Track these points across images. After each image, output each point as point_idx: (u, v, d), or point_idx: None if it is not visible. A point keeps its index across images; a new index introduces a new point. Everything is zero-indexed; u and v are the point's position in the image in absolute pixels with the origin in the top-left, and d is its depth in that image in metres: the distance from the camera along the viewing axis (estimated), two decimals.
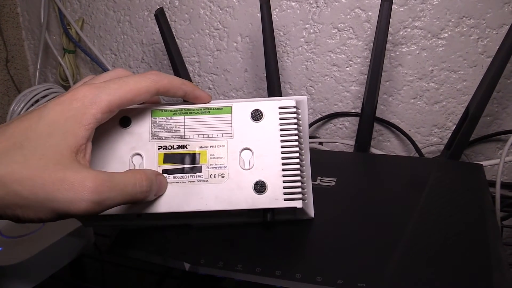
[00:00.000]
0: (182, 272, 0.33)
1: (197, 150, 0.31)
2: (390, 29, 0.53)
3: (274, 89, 0.52)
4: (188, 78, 0.56)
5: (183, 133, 0.31)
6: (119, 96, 0.27)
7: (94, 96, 0.26)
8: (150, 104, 0.32)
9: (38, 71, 0.73)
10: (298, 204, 0.30)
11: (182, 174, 0.30)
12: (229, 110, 0.31)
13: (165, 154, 0.31)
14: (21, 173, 0.23)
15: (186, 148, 0.31)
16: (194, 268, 0.33)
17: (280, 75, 0.58)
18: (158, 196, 0.30)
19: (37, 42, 0.76)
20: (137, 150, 0.31)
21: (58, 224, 0.42)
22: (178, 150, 0.31)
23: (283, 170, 0.30)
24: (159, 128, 0.31)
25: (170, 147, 0.31)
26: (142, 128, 0.31)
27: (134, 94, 0.28)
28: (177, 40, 0.65)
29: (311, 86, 0.61)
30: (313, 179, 0.42)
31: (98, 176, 0.25)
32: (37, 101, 0.65)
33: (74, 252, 0.42)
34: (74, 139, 0.25)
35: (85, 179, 0.24)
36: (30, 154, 0.24)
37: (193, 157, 0.31)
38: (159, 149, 0.31)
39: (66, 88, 0.72)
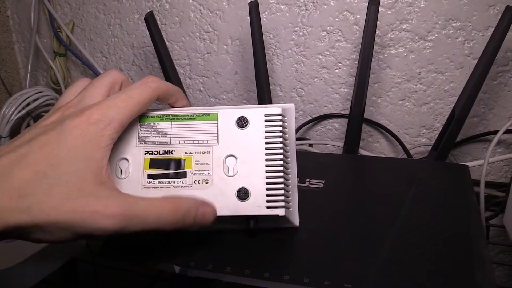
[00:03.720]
0: (172, 275, 0.34)
1: (182, 156, 0.31)
2: (378, 32, 0.54)
3: (263, 92, 0.53)
4: (179, 81, 0.57)
5: (169, 139, 0.31)
6: (129, 112, 0.28)
7: (107, 118, 0.27)
8: None
9: (29, 74, 0.73)
10: (281, 212, 0.30)
11: (167, 180, 0.30)
12: (215, 116, 0.32)
13: (151, 159, 0.31)
14: (47, 202, 0.24)
15: (172, 153, 0.31)
16: (183, 270, 0.33)
17: (270, 78, 0.58)
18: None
19: (27, 45, 0.75)
20: (124, 155, 0.31)
21: None
22: (164, 155, 0.31)
23: (267, 178, 0.30)
24: (146, 133, 0.31)
25: (156, 152, 0.31)
26: (130, 133, 0.32)
27: (141, 107, 0.29)
28: (167, 43, 0.65)
29: (301, 88, 0.62)
30: (302, 181, 0.42)
31: (118, 202, 0.25)
32: (28, 104, 0.65)
33: (66, 255, 0.42)
34: (95, 163, 0.26)
35: (106, 207, 0.25)
36: (55, 182, 0.24)
37: (178, 162, 0.31)
38: (145, 154, 0.31)
39: (57, 91, 0.72)
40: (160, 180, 0.31)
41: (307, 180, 0.42)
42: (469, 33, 0.53)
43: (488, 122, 0.56)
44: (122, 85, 0.31)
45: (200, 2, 0.62)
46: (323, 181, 0.42)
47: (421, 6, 0.53)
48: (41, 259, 0.40)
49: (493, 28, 0.44)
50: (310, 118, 0.62)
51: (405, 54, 0.56)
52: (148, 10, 0.65)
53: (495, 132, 0.55)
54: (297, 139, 0.62)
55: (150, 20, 0.52)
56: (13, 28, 0.76)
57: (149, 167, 0.31)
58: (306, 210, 0.36)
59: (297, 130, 0.62)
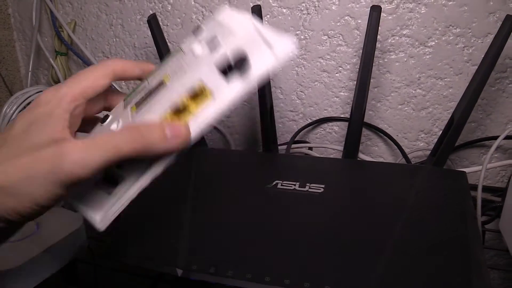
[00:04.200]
0: (174, 278, 0.34)
1: (161, 79, 0.31)
2: (378, 37, 0.54)
3: (265, 93, 0.53)
4: None
5: (147, 85, 0.31)
6: (79, 86, 0.30)
7: (57, 93, 0.29)
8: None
9: (30, 72, 0.73)
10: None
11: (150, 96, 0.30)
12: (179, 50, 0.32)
13: (136, 103, 0.31)
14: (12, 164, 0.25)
15: (152, 87, 0.31)
16: (186, 273, 0.34)
17: (271, 80, 0.59)
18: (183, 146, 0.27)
19: (28, 44, 0.76)
20: (114, 119, 0.31)
21: (52, 229, 0.43)
22: (146, 94, 0.31)
23: None
24: (129, 100, 0.32)
25: (140, 99, 0.31)
26: (117, 110, 0.33)
27: (92, 80, 0.30)
28: (169, 44, 0.65)
29: (301, 91, 0.62)
30: (302, 185, 0.43)
31: (80, 141, 0.26)
32: (29, 103, 0.65)
33: (67, 257, 0.43)
34: (56, 118, 0.28)
35: (71, 147, 0.25)
36: (20, 143, 0.26)
37: (157, 83, 0.31)
38: (131, 107, 0.31)
39: None
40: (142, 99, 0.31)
41: (307, 184, 0.43)
42: (469, 39, 0.54)
43: (486, 127, 0.57)
44: None
45: (202, 4, 0.62)
46: (323, 186, 0.43)
47: (421, 12, 0.54)
48: (42, 261, 0.41)
49: (492, 35, 0.45)
50: (310, 121, 0.63)
51: (405, 59, 0.57)
52: (150, 11, 0.65)
53: (493, 138, 0.56)
54: (297, 141, 0.63)
55: (153, 22, 0.52)
56: (14, 26, 0.76)
57: (136, 107, 0.31)
58: (306, 215, 0.36)
59: (297, 133, 0.62)
